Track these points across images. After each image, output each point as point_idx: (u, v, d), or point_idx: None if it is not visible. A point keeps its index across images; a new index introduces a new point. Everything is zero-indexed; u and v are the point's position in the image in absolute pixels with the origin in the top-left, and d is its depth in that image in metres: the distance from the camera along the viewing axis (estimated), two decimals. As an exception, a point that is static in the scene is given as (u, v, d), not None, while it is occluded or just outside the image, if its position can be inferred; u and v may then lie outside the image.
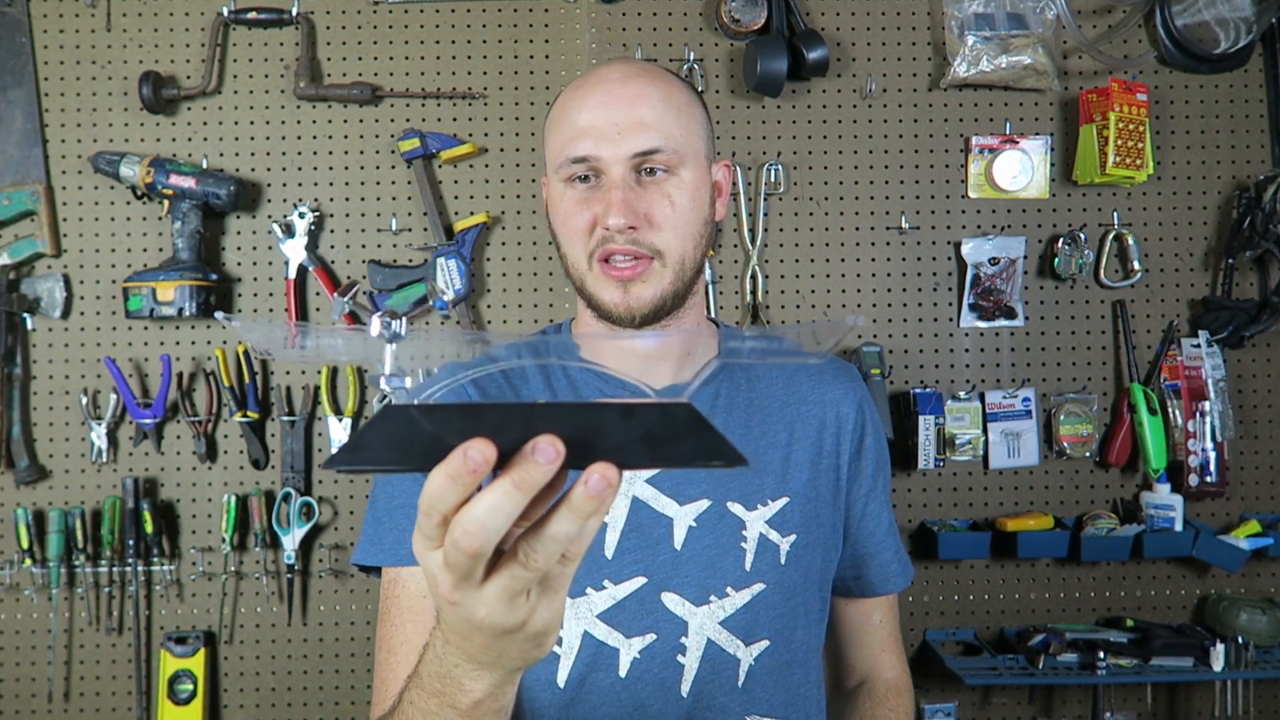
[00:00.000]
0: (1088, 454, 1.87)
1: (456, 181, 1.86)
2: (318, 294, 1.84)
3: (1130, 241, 1.87)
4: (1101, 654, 1.73)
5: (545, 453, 0.47)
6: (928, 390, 1.85)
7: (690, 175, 0.98)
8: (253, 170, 1.84)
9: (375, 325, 0.53)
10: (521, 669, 0.61)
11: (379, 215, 1.85)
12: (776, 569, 0.99)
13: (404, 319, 0.54)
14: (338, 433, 1.81)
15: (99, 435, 1.79)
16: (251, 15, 1.81)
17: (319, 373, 1.82)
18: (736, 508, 0.99)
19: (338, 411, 1.82)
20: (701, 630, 0.96)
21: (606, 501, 0.49)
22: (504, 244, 1.87)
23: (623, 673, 0.95)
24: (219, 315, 0.62)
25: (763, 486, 1.01)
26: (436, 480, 0.49)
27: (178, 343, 1.82)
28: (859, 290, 1.89)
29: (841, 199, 1.89)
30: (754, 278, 1.87)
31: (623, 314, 0.98)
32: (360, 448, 0.50)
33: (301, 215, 1.81)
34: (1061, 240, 1.86)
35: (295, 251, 1.81)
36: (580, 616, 0.96)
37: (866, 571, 1.12)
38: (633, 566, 0.97)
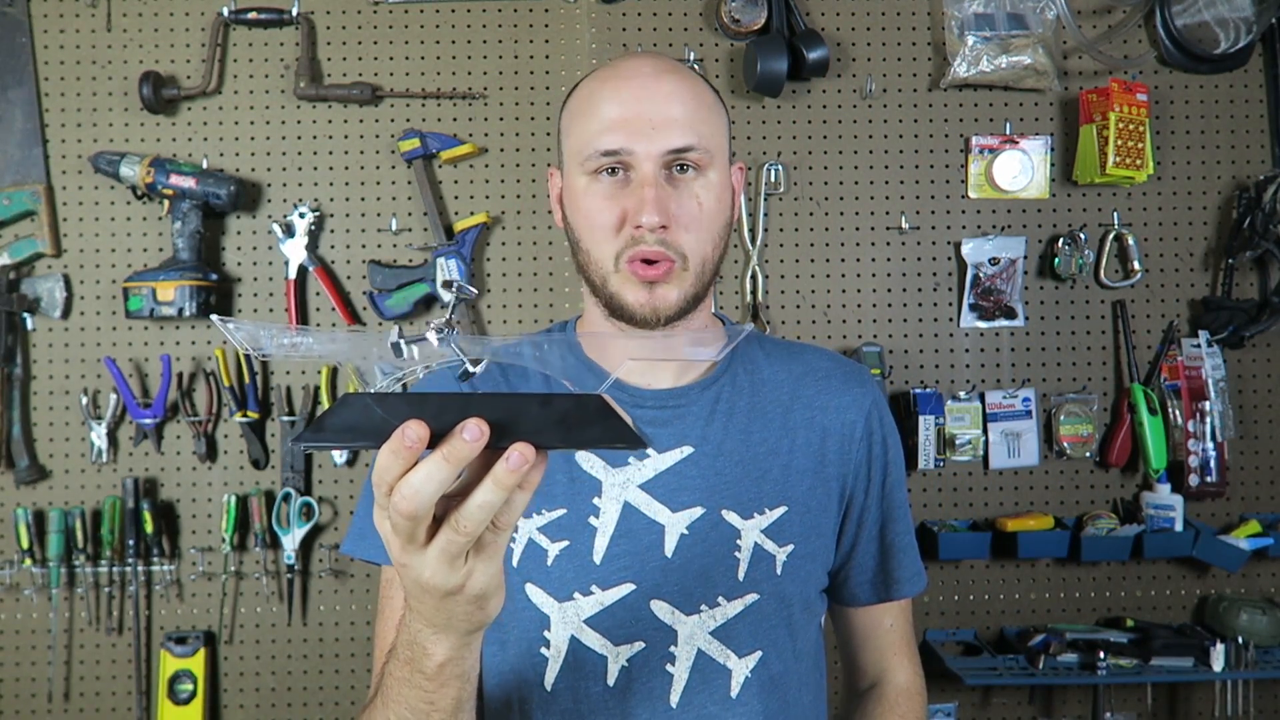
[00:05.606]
0: (1088, 454, 1.87)
1: (456, 181, 1.86)
2: (318, 294, 1.84)
3: (1130, 241, 1.87)
4: (1101, 654, 1.73)
5: (471, 431, 0.57)
6: (928, 390, 1.85)
7: (716, 176, 0.97)
8: (253, 170, 1.84)
9: (432, 336, 0.64)
10: (473, 632, 0.69)
11: (379, 215, 1.85)
12: (772, 579, 0.97)
13: (457, 329, 0.65)
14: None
15: (99, 435, 1.79)
16: (251, 15, 1.81)
17: (319, 373, 1.82)
18: (732, 516, 0.97)
19: (338, 411, 1.82)
20: (691, 640, 0.95)
21: (528, 476, 0.58)
22: (504, 244, 1.87)
23: (611, 681, 0.94)
24: (214, 318, 0.67)
25: (760, 494, 0.99)
26: (383, 456, 0.58)
27: (178, 343, 1.82)
28: (859, 290, 1.89)
29: (841, 199, 1.89)
30: (754, 278, 1.87)
31: (648, 315, 0.96)
32: (323, 428, 0.60)
33: (301, 215, 1.81)
34: (1061, 240, 1.86)
35: (295, 251, 1.81)
36: (568, 621, 0.95)
37: (878, 578, 1.09)
38: (621, 573, 0.95)
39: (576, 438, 0.59)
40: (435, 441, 0.58)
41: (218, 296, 1.80)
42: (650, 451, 0.99)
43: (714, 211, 0.96)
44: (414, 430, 0.57)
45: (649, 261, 0.94)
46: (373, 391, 0.61)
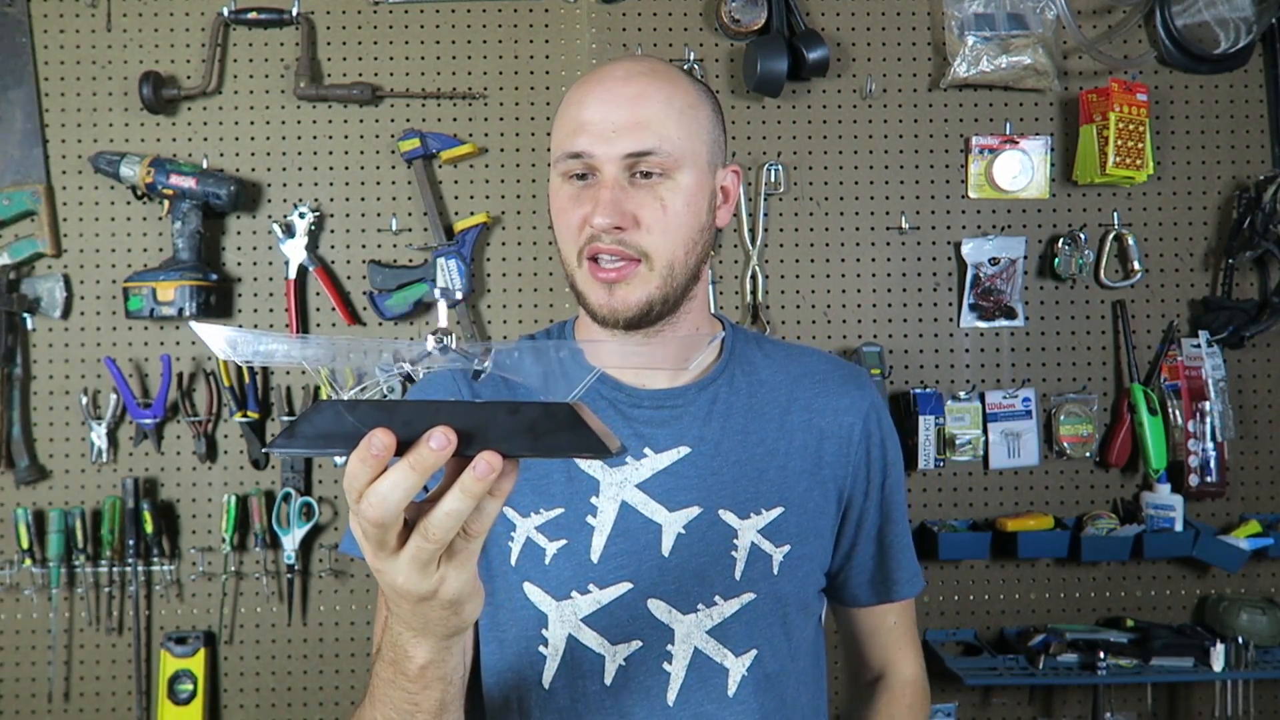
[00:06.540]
0: (1088, 454, 1.87)
1: (456, 181, 1.86)
2: (318, 294, 1.84)
3: (1130, 241, 1.87)
4: (1101, 654, 1.73)
5: (438, 440, 0.57)
6: (928, 390, 1.85)
7: (687, 179, 0.96)
8: (253, 170, 1.84)
9: (430, 342, 0.62)
10: (452, 636, 0.70)
11: (379, 215, 1.85)
12: (768, 579, 0.97)
13: (453, 337, 0.63)
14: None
15: (99, 435, 1.79)
16: (251, 15, 1.81)
17: (319, 372, 1.82)
18: (729, 516, 0.98)
19: (338, 411, 1.82)
20: (688, 638, 0.95)
21: (498, 484, 0.58)
22: (504, 244, 1.87)
23: (608, 680, 0.95)
24: (193, 324, 0.66)
25: (757, 495, 0.99)
26: (352, 463, 0.58)
27: (178, 343, 1.82)
28: (859, 290, 1.89)
29: (841, 199, 1.89)
30: (754, 278, 1.87)
31: (606, 315, 0.97)
32: (295, 434, 0.60)
33: (301, 215, 1.81)
34: (1061, 240, 1.86)
35: (295, 251, 1.81)
36: (565, 620, 0.95)
37: (876, 579, 1.09)
38: (618, 572, 0.96)
39: (545, 446, 0.59)
40: (407, 449, 0.58)
41: (218, 296, 1.80)
42: (648, 451, 0.99)
43: (680, 213, 0.95)
44: (380, 439, 0.57)
45: (601, 260, 0.95)
46: (345, 398, 0.60)
